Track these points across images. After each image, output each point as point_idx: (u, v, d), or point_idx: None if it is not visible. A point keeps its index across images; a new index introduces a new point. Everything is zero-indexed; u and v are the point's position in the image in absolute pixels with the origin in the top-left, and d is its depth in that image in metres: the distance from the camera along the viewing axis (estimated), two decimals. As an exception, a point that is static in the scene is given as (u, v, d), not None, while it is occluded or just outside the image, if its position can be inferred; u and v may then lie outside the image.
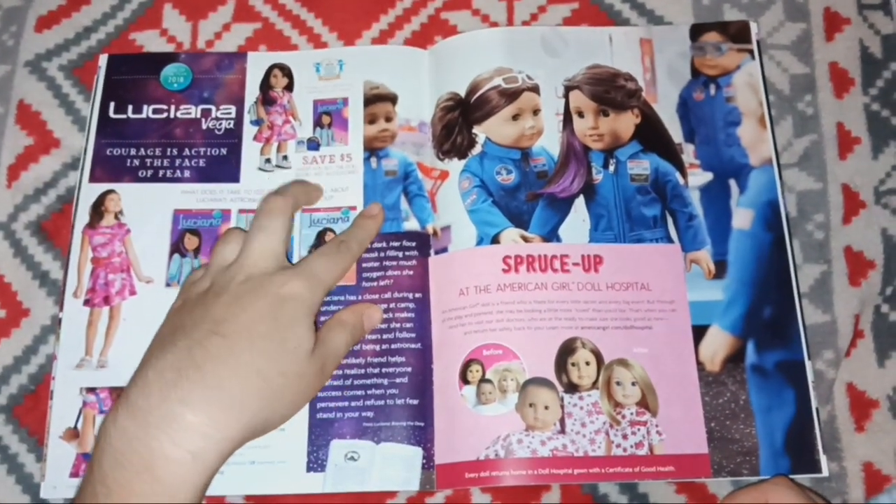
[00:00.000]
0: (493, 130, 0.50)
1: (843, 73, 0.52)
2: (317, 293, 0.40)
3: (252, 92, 0.51)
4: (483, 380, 0.44)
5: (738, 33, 0.52)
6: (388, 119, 0.50)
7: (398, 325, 0.45)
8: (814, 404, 0.44)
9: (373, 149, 0.50)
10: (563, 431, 0.43)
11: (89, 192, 0.49)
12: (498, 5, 0.55)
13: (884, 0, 0.53)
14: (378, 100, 0.51)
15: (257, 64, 0.52)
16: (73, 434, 0.44)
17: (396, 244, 0.47)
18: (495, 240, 0.47)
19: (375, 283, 0.46)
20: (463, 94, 0.51)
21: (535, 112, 0.50)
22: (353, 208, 0.48)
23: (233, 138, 0.50)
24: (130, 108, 0.51)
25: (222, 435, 0.35)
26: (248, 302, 0.38)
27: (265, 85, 0.52)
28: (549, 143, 0.50)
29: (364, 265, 0.47)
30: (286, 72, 0.52)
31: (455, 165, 0.49)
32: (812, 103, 0.51)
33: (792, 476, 0.43)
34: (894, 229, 0.49)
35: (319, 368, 0.40)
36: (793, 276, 0.47)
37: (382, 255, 0.47)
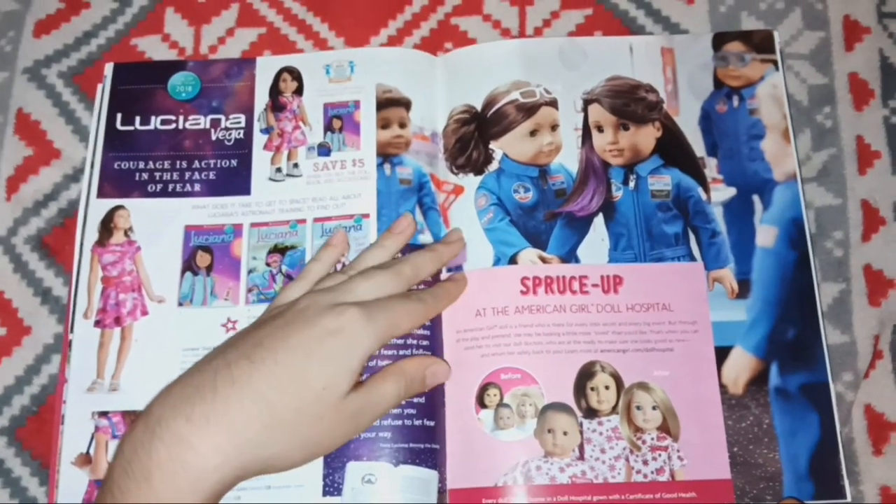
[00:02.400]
0: (510, 146, 0.49)
1: (862, 85, 0.51)
2: (371, 336, 0.37)
3: (262, 99, 0.50)
4: (501, 404, 0.44)
5: (761, 43, 0.51)
6: (402, 125, 0.49)
7: (414, 343, 0.44)
8: (838, 428, 0.43)
9: (386, 155, 0.48)
10: (582, 458, 0.43)
11: (98, 208, 0.48)
12: (510, 11, 0.53)
13: (904, 8, 0.52)
14: (391, 104, 0.49)
15: (266, 69, 0.51)
16: (85, 460, 0.43)
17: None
18: (513, 260, 0.46)
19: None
20: (479, 107, 0.49)
21: (554, 128, 0.49)
22: (367, 216, 0.47)
23: (243, 148, 0.49)
24: (138, 119, 0.50)
25: (220, 459, 0.34)
26: (293, 330, 0.37)
27: (274, 90, 0.50)
28: (568, 160, 0.49)
29: None
30: (295, 75, 0.51)
31: (470, 181, 0.48)
32: (831, 115, 0.50)
33: (815, 502, 0.42)
34: (916, 248, 0.48)
35: (352, 415, 0.37)
36: (816, 296, 0.46)
37: None
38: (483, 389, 0.44)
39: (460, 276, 0.46)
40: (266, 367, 0.35)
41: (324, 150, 0.49)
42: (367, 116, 0.49)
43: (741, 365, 0.45)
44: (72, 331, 0.45)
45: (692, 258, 0.47)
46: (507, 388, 0.44)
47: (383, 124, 0.49)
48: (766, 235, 0.47)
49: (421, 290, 0.43)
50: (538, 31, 0.53)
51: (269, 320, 0.39)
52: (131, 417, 0.44)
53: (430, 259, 0.44)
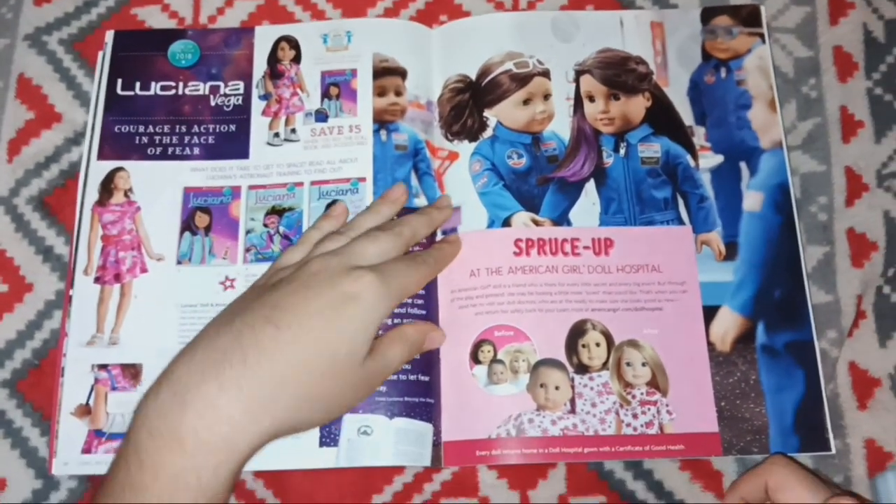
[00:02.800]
0: (503, 114, 0.50)
1: (847, 57, 0.52)
2: (386, 300, 0.38)
3: (260, 67, 0.51)
4: (495, 360, 0.44)
5: (748, 17, 0.52)
6: (398, 93, 0.50)
7: (409, 301, 0.45)
8: (822, 384, 0.44)
9: (382, 121, 0.49)
10: (573, 411, 0.44)
11: (98, 170, 0.48)
12: (505, -16, 0.54)
13: (889, -16, 0.53)
14: (387, 73, 0.50)
15: (265, 38, 0.52)
16: (84, 410, 0.44)
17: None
18: (506, 223, 0.47)
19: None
20: (473, 76, 0.51)
21: (546, 97, 0.50)
22: (363, 179, 0.48)
23: (241, 114, 0.50)
24: (138, 84, 0.50)
25: (253, 426, 0.34)
26: (312, 295, 0.37)
27: (272, 59, 0.51)
28: (560, 128, 0.50)
29: None
30: (293, 44, 0.52)
31: (465, 147, 0.49)
32: (816, 87, 0.51)
33: (801, 454, 0.43)
34: (896, 212, 0.49)
35: (367, 378, 0.38)
36: (802, 258, 0.47)
37: None
38: (477, 346, 0.45)
39: (454, 237, 0.47)
40: (292, 332, 0.35)
41: (321, 116, 0.50)
42: (364, 84, 0.50)
43: (728, 323, 0.46)
44: (72, 287, 0.46)
45: (681, 222, 0.48)
46: (501, 345, 0.45)
47: (379, 92, 0.50)
48: (752, 200, 0.48)
49: (422, 252, 0.44)
50: (531, 6, 0.54)
51: (283, 283, 0.38)
52: (130, 370, 0.44)
53: (424, 222, 0.45)
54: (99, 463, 0.43)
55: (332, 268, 0.38)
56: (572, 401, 0.44)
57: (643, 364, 0.45)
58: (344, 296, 0.37)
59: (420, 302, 0.45)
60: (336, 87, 0.50)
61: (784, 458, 0.41)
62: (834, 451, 0.43)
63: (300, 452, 0.42)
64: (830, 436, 0.44)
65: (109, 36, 0.51)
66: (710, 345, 0.45)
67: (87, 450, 0.43)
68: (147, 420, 0.34)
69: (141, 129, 0.49)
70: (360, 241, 0.41)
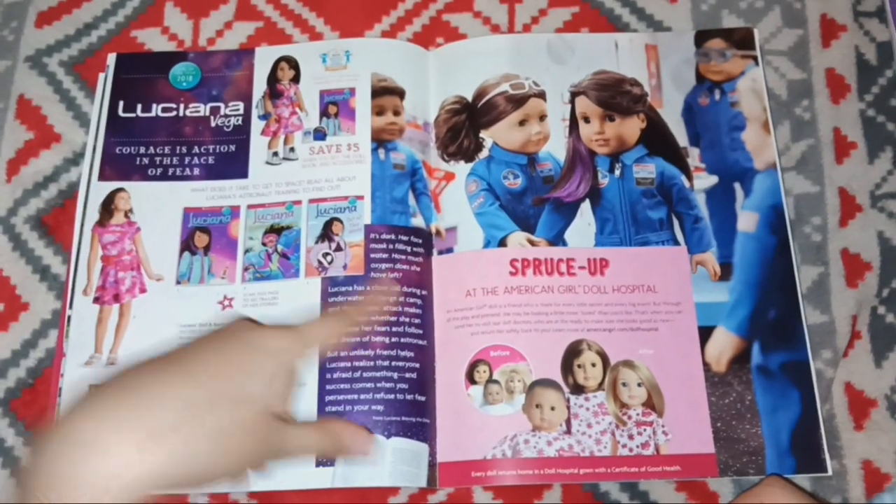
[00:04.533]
0: (499, 135, 0.50)
1: (839, 80, 0.53)
2: (298, 353, 0.37)
3: (260, 87, 0.52)
4: (490, 380, 0.45)
5: (741, 40, 0.53)
6: (396, 113, 0.51)
7: (407, 320, 0.46)
8: (819, 405, 0.45)
9: (381, 140, 0.50)
10: (569, 432, 0.44)
11: (98, 190, 0.49)
12: (499, 8, 0.55)
13: (879, 7, 0.54)
14: (386, 92, 0.51)
15: (265, 59, 0.52)
16: (81, 431, 0.44)
17: (405, 238, 0.47)
18: (502, 243, 0.48)
19: (384, 275, 0.46)
20: (469, 98, 0.51)
21: (542, 118, 0.51)
22: (361, 197, 0.48)
23: (241, 134, 0.51)
24: (140, 106, 0.51)
25: (125, 458, 0.31)
26: (218, 338, 0.36)
27: (272, 79, 0.52)
28: (556, 149, 0.50)
29: (373, 256, 0.47)
30: (293, 64, 0.52)
31: (461, 168, 0.50)
32: (809, 108, 0.52)
33: (797, 475, 0.43)
34: (890, 232, 0.49)
35: (266, 438, 0.35)
36: (796, 278, 0.47)
37: (391, 247, 0.47)
38: (473, 366, 0.45)
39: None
40: (183, 369, 0.34)
41: (319, 134, 0.50)
42: (363, 103, 0.51)
43: (724, 344, 0.46)
44: (70, 307, 0.46)
45: (676, 242, 0.48)
46: (497, 365, 0.45)
47: (378, 111, 0.51)
48: (747, 221, 0.49)
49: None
50: (527, 28, 0.55)
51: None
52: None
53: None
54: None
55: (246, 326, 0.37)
56: (568, 421, 0.44)
57: (639, 384, 0.45)
58: (249, 344, 0.36)
59: (417, 322, 0.46)
60: (335, 105, 0.51)
61: (780, 479, 0.41)
62: (830, 472, 0.43)
63: (296, 473, 0.42)
64: (827, 457, 0.44)
65: (111, 59, 0.52)
66: (706, 365, 0.45)
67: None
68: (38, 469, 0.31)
69: (142, 150, 0.50)
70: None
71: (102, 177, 0.49)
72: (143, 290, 0.47)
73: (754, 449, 0.44)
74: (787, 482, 0.41)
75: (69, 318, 0.46)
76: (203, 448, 0.33)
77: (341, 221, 0.48)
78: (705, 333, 0.46)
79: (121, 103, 0.51)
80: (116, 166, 0.50)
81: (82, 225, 0.48)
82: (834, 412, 0.46)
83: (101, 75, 0.52)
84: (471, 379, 0.45)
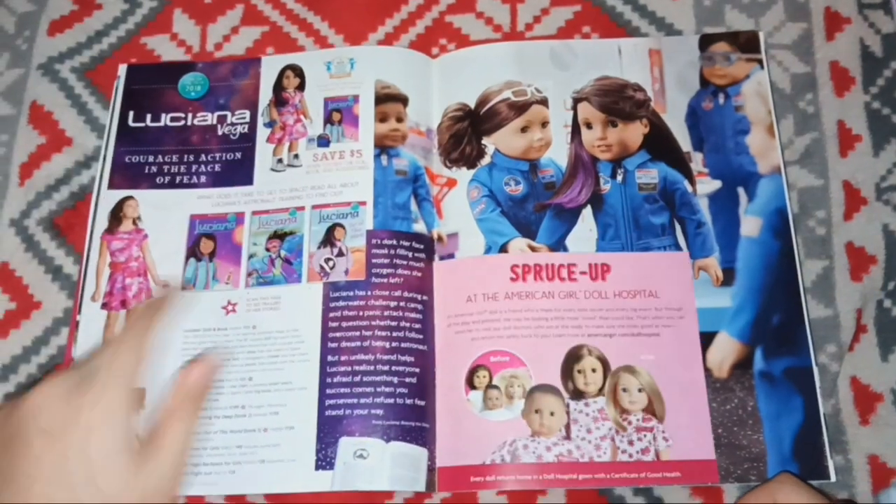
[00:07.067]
0: (501, 142, 0.51)
1: (843, 72, 0.52)
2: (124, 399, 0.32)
3: (266, 95, 0.53)
4: (490, 385, 0.45)
5: (746, 43, 0.52)
6: (399, 119, 0.51)
7: (407, 325, 0.46)
8: (822, 411, 0.44)
9: (384, 147, 0.51)
10: (568, 437, 0.44)
11: (108, 199, 0.50)
12: (501, 8, 0.55)
13: (884, -1, 0.53)
14: (389, 99, 0.52)
15: (271, 67, 0.53)
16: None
17: (406, 244, 0.48)
18: (503, 249, 0.48)
19: (386, 280, 0.47)
20: (472, 105, 0.52)
21: (544, 124, 0.51)
22: (363, 203, 0.49)
23: (247, 142, 0.52)
24: (149, 116, 0.52)
25: None
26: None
27: (278, 87, 0.53)
28: (558, 155, 0.50)
29: (374, 261, 0.47)
30: (298, 72, 0.53)
31: (463, 174, 0.50)
32: (813, 102, 0.52)
33: (799, 483, 0.43)
34: (895, 225, 0.49)
35: (148, 475, 0.31)
36: (800, 283, 0.47)
37: (393, 252, 0.48)
38: (472, 371, 0.45)
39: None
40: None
41: (323, 141, 0.51)
42: (366, 110, 0.51)
43: (726, 349, 0.45)
44: (79, 312, 0.47)
45: (678, 247, 0.48)
46: (496, 371, 0.45)
47: (381, 118, 0.51)
48: (750, 226, 0.48)
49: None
50: (529, 27, 0.55)
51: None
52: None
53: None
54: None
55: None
56: (567, 427, 0.44)
57: (639, 390, 0.45)
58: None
59: (417, 327, 0.46)
60: (338, 112, 0.52)
61: (792, 476, 0.41)
62: (834, 479, 0.43)
63: (296, 476, 0.43)
64: (830, 463, 0.43)
65: (122, 70, 0.54)
66: (708, 371, 0.45)
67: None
68: None
69: (150, 158, 0.51)
70: None
71: (112, 185, 0.51)
72: (149, 296, 0.48)
73: (756, 455, 0.43)
74: (799, 480, 0.40)
75: (77, 323, 0.47)
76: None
77: (343, 227, 0.48)
78: (707, 339, 0.46)
79: (131, 113, 0.52)
80: (126, 175, 0.51)
81: (92, 233, 0.49)
82: (839, 407, 0.45)
83: (115, 85, 0.53)
84: (470, 384, 0.45)
